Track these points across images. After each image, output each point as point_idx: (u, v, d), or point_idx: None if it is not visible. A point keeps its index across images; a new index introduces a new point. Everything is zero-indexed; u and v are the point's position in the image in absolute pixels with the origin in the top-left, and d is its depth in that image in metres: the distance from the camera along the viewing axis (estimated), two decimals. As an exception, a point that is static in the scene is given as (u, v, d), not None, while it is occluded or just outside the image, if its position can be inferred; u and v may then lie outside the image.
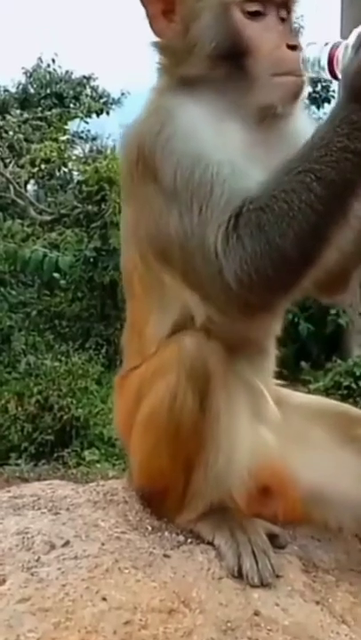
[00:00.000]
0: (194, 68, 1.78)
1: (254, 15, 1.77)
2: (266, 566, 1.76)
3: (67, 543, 1.82)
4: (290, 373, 11.38)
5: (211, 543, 1.83)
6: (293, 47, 1.75)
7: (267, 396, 1.96)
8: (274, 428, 1.93)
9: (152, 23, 1.81)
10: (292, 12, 1.83)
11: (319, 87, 17.18)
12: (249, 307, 1.69)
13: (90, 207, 12.63)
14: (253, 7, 1.76)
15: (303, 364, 11.86)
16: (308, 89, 1.83)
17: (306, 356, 12.04)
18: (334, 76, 1.68)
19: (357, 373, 10.50)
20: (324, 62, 1.68)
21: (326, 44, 1.69)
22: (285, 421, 1.98)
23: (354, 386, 10.43)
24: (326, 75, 1.69)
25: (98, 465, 8.89)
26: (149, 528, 1.89)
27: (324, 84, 18.61)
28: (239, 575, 1.75)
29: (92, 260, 12.53)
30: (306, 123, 1.87)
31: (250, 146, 1.74)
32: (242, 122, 1.76)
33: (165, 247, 1.76)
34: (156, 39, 1.83)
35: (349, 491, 1.93)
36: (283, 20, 1.80)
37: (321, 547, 1.97)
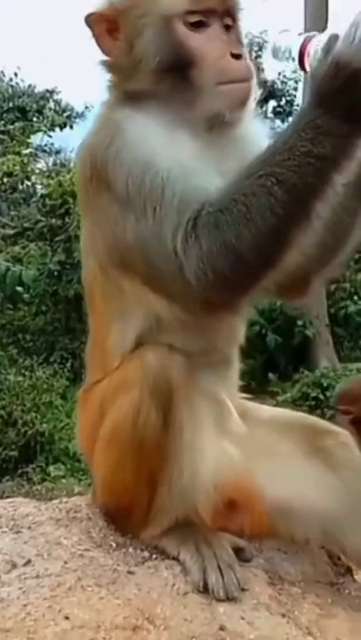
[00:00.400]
0: (140, 83, 1.79)
1: (197, 26, 1.77)
2: (231, 580, 1.74)
3: (28, 562, 1.78)
4: (258, 385, 11.49)
5: (176, 558, 1.80)
6: (237, 56, 1.76)
7: (231, 409, 1.95)
8: (239, 441, 1.91)
9: (98, 43, 1.81)
10: (238, 20, 1.83)
11: (284, 101, 17.42)
12: (210, 304, 1.69)
13: (53, 221, 12.62)
14: (195, 18, 1.76)
15: (271, 375, 11.96)
16: (256, 94, 1.82)
17: (274, 368, 12.14)
18: (303, 69, 1.69)
19: (325, 384, 10.61)
20: (295, 53, 1.68)
21: (300, 34, 1.70)
22: (251, 435, 1.97)
23: (321, 397, 10.54)
24: (296, 65, 1.69)
25: (63, 480, 8.80)
26: (113, 545, 1.86)
27: (288, 98, 18.89)
28: (205, 590, 1.73)
29: (56, 273, 12.50)
30: (257, 128, 1.87)
31: (200, 151, 1.74)
32: (191, 131, 1.76)
33: (124, 254, 1.76)
34: (103, 58, 1.84)
35: (315, 502, 1.93)
36: (228, 27, 1.80)
37: (287, 559, 1.95)
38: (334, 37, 1.56)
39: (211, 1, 1.78)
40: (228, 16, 1.81)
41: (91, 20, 1.80)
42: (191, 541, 1.79)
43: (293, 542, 1.95)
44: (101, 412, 1.83)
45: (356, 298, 12.44)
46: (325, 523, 1.93)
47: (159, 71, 1.77)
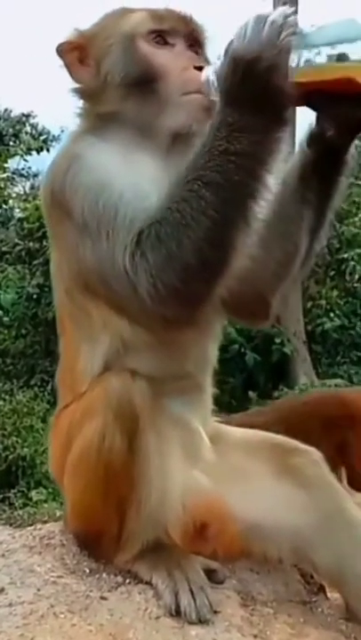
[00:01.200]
0: (108, 103, 1.84)
1: (161, 44, 1.83)
2: (203, 602, 1.75)
3: (1, 590, 1.78)
4: (238, 404, 11.48)
5: (149, 583, 1.82)
6: (201, 68, 1.79)
7: (201, 434, 1.96)
8: (209, 465, 1.94)
9: (70, 72, 1.86)
10: (204, 45, 1.87)
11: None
12: (167, 321, 1.69)
13: (31, 244, 12.61)
14: (159, 37, 1.83)
15: (251, 393, 11.96)
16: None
17: (253, 386, 12.15)
18: None
19: (303, 401, 10.62)
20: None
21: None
22: (223, 457, 2.00)
23: (300, 413, 10.53)
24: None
25: (45, 505, 8.72)
26: (87, 570, 1.87)
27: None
28: (177, 613, 1.74)
29: (35, 296, 12.47)
30: None
31: (160, 172, 1.77)
32: (153, 151, 1.79)
33: (87, 279, 1.79)
34: (75, 85, 1.88)
35: (287, 520, 1.95)
36: (194, 49, 1.86)
37: (260, 579, 1.97)
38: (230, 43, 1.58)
39: (174, 22, 1.85)
40: (193, 39, 1.86)
41: (61, 50, 1.85)
42: (163, 565, 1.81)
43: (266, 562, 1.97)
44: (69, 438, 1.85)
45: (332, 315, 12.53)
46: (297, 540, 1.94)
47: (125, 87, 1.81)
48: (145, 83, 1.80)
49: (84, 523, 1.88)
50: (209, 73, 1.66)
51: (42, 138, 17.73)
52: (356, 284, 12.82)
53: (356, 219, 12.85)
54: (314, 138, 1.74)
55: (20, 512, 8.35)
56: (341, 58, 1.52)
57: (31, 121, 17.97)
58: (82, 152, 1.79)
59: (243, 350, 11.38)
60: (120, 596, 1.79)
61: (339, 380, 11.82)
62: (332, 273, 12.84)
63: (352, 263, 12.52)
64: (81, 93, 1.89)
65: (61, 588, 1.79)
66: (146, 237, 1.62)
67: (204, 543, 1.87)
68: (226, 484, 1.92)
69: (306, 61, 1.57)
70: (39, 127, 18.07)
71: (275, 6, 12.28)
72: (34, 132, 17.77)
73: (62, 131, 17.49)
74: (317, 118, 1.73)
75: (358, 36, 1.52)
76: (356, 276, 12.67)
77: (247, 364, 11.67)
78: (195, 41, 1.87)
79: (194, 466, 1.91)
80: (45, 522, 2.30)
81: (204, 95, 1.73)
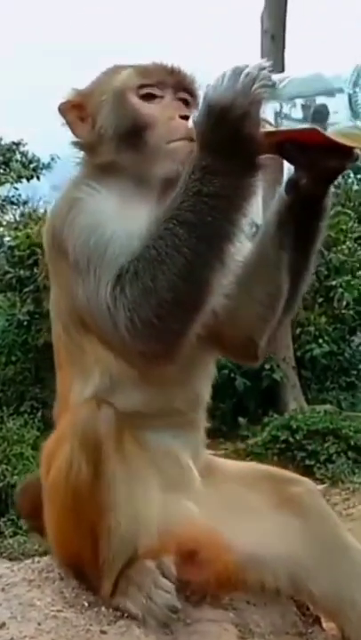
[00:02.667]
0: (104, 155, 1.93)
1: (150, 98, 1.93)
2: (164, 604, 1.80)
3: (3, 625, 1.80)
4: (228, 429, 11.49)
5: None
6: (186, 117, 1.87)
7: (189, 466, 2.00)
8: (199, 495, 1.97)
9: (72, 129, 1.97)
10: (194, 93, 1.95)
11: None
12: (145, 357, 1.73)
13: (22, 272, 12.62)
14: (147, 90, 1.93)
15: (241, 419, 11.95)
16: None
17: (243, 412, 12.14)
18: None
19: (294, 427, 10.64)
20: None
21: None
22: (217, 489, 2.03)
23: (291, 439, 10.55)
24: None
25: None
26: (86, 604, 1.89)
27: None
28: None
29: (25, 323, 12.46)
30: None
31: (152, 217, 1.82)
32: (147, 197, 1.86)
33: (81, 316, 1.85)
34: (75, 140, 1.99)
35: (284, 549, 1.97)
36: (184, 101, 1.94)
37: (257, 611, 1.99)
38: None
39: (160, 75, 1.94)
40: (181, 89, 1.95)
41: (63, 109, 1.96)
42: (131, 591, 1.83)
43: (263, 592, 1.98)
44: (47, 467, 1.91)
45: (321, 341, 12.58)
46: (295, 569, 1.97)
47: (117, 140, 1.91)
48: (135, 134, 1.89)
49: (62, 551, 1.94)
50: (191, 121, 1.73)
51: (32, 166, 17.84)
52: (344, 311, 12.90)
53: (344, 246, 12.96)
54: (290, 185, 1.80)
55: (11, 541, 8.32)
56: (319, 110, 1.56)
57: (21, 149, 18.09)
58: (81, 197, 1.86)
59: (232, 376, 11.38)
60: (119, 630, 1.80)
61: (328, 406, 11.85)
62: (320, 300, 12.92)
63: (340, 290, 12.61)
64: (80, 146, 1.99)
65: (61, 622, 1.81)
66: (125, 273, 1.68)
67: (193, 571, 1.89)
68: (219, 514, 1.95)
69: (283, 115, 1.61)
70: (29, 155, 18.19)
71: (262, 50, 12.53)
72: (24, 159, 17.88)
73: (52, 158, 17.65)
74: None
75: (323, 90, 1.56)
76: (344, 303, 12.77)
77: (237, 390, 11.67)
78: (184, 91, 1.95)
79: (180, 496, 1.94)
80: (43, 554, 2.32)
81: (189, 141, 1.79)
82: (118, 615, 1.85)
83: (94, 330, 1.81)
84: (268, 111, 1.60)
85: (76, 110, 1.95)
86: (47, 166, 17.69)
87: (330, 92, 1.55)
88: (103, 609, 1.87)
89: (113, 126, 1.92)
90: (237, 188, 1.61)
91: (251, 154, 1.60)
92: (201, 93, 1.92)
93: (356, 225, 13.66)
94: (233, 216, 1.63)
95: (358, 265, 13.09)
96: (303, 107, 1.57)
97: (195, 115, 1.67)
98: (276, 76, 1.61)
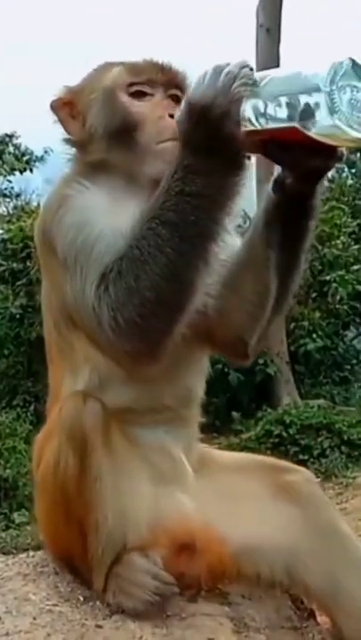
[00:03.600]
0: (94, 153, 1.93)
1: (140, 95, 1.92)
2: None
3: (-3, 619, 1.80)
4: (222, 424, 11.51)
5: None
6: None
7: (181, 460, 1.99)
8: (193, 489, 1.97)
9: (64, 126, 1.97)
10: (185, 91, 1.90)
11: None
12: (129, 355, 1.72)
13: (15, 265, 12.59)
14: (137, 88, 1.92)
15: (235, 414, 11.97)
16: None
17: (237, 406, 12.16)
18: None
19: (287, 421, 10.66)
20: None
21: None
22: (212, 481, 2.03)
23: (285, 434, 10.57)
24: None
25: (28, 527, 8.66)
26: (81, 598, 1.89)
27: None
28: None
29: (18, 316, 12.43)
30: None
31: None
32: (136, 195, 1.85)
33: (70, 313, 1.86)
34: (66, 137, 1.98)
35: (280, 539, 1.98)
36: (175, 98, 1.93)
37: (252, 606, 1.99)
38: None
39: (150, 73, 1.93)
40: (172, 87, 1.94)
41: (54, 106, 1.95)
42: (121, 584, 1.83)
43: (259, 584, 1.98)
44: (38, 461, 1.93)
45: (314, 336, 12.58)
46: (290, 559, 1.97)
47: (107, 138, 1.91)
48: (125, 133, 1.89)
49: (54, 546, 1.95)
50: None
51: (25, 158, 17.77)
52: (338, 306, 12.91)
53: (338, 241, 12.96)
54: (277, 184, 1.79)
55: (3, 535, 8.32)
56: (305, 109, 1.52)
57: (14, 141, 18.01)
58: (72, 194, 1.86)
59: (226, 370, 11.38)
60: (114, 624, 1.81)
61: (321, 401, 11.88)
62: (314, 295, 12.92)
63: (334, 285, 12.61)
64: (71, 143, 1.99)
65: (57, 616, 1.81)
66: (109, 272, 1.68)
67: (187, 564, 1.89)
68: (213, 506, 1.96)
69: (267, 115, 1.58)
70: (22, 148, 18.11)
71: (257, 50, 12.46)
72: (17, 152, 17.81)
73: (45, 151, 17.58)
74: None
75: (303, 89, 1.53)
76: (338, 298, 12.78)
77: (231, 384, 11.67)
78: (175, 87, 1.94)
79: (173, 489, 1.94)
80: (35, 548, 2.31)
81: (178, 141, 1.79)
82: (113, 609, 1.85)
83: (82, 328, 1.82)
84: (250, 110, 1.58)
85: (67, 107, 1.95)
86: (40, 159, 17.63)
87: (309, 91, 1.51)
88: (98, 603, 1.88)
89: (103, 125, 1.91)
90: (220, 187, 1.61)
91: (232, 152, 1.60)
92: (188, 89, 1.92)
93: (349, 220, 13.65)
94: (216, 215, 1.62)
95: (352, 260, 13.10)
96: (288, 105, 1.54)
97: (177, 114, 1.67)
98: (257, 74, 1.60)
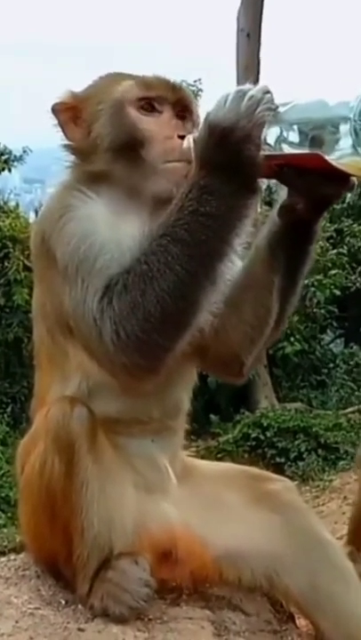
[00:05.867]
0: (97, 163, 1.91)
1: (149, 111, 1.91)
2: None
3: (-21, 623, 1.80)
4: (200, 427, 11.51)
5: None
6: (185, 137, 1.86)
7: (166, 468, 2.00)
8: (176, 497, 1.98)
9: (64, 130, 1.94)
10: (193, 112, 1.93)
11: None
12: (128, 369, 1.72)
13: (-8, 265, 12.51)
14: (147, 104, 1.91)
15: (212, 417, 12.00)
16: None
17: (215, 409, 12.20)
18: None
19: (265, 424, 10.72)
20: None
21: None
22: (195, 489, 2.05)
23: (262, 437, 10.64)
24: None
25: (5, 529, 8.61)
26: (63, 602, 1.89)
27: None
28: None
29: (-5, 317, 12.36)
30: None
31: (143, 230, 1.80)
32: (138, 211, 1.86)
33: (67, 321, 1.85)
34: (66, 142, 1.96)
35: (262, 545, 2.00)
36: (182, 117, 1.93)
37: (232, 609, 2.01)
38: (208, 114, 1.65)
39: (161, 90, 1.92)
40: (180, 107, 1.94)
41: (56, 110, 1.93)
42: (107, 589, 1.84)
43: (240, 588, 2.01)
44: (22, 464, 1.92)
45: (292, 339, 12.67)
46: (272, 564, 2.00)
47: (113, 151, 1.89)
48: (131, 148, 1.88)
49: (37, 549, 1.95)
50: (191, 140, 1.73)
51: (3, 158, 17.64)
52: (315, 310, 13.02)
53: (316, 245, 13.05)
54: (284, 209, 1.80)
55: (-20, 537, 8.25)
56: (315, 138, 1.56)
57: (-8, 141, 17.83)
58: (73, 203, 1.85)
59: (204, 373, 11.41)
60: (97, 627, 1.81)
61: (299, 404, 11.96)
62: (292, 298, 13.01)
63: (312, 289, 12.71)
64: (72, 150, 1.97)
65: (39, 619, 1.82)
66: (114, 285, 1.68)
67: (170, 569, 1.91)
68: (196, 514, 1.97)
69: (281, 139, 1.62)
70: (0, 147, 17.97)
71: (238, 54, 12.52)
72: (-5, 152, 17.65)
73: (24, 151, 17.47)
74: (289, 191, 1.78)
75: (326, 116, 1.57)
76: (316, 302, 12.87)
77: (209, 387, 11.68)
78: (183, 108, 1.94)
79: (157, 497, 1.95)
80: (12, 550, 2.31)
81: (185, 163, 1.80)
82: (96, 613, 1.85)
83: (79, 338, 1.81)
84: (271, 135, 1.61)
85: (70, 113, 1.93)
86: (19, 159, 17.50)
87: (333, 120, 1.55)
88: (80, 607, 1.88)
89: (109, 137, 1.89)
90: (234, 209, 1.62)
91: (250, 176, 1.61)
92: (195, 109, 1.94)
93: (328, 224, 13.76)
94: (227, 236, 1.63)
95: (330, 264, 13.20)
96: (310, 132, 1.58)
97: (195, 134, 1.67)
98: (279, 100, 1.62)
